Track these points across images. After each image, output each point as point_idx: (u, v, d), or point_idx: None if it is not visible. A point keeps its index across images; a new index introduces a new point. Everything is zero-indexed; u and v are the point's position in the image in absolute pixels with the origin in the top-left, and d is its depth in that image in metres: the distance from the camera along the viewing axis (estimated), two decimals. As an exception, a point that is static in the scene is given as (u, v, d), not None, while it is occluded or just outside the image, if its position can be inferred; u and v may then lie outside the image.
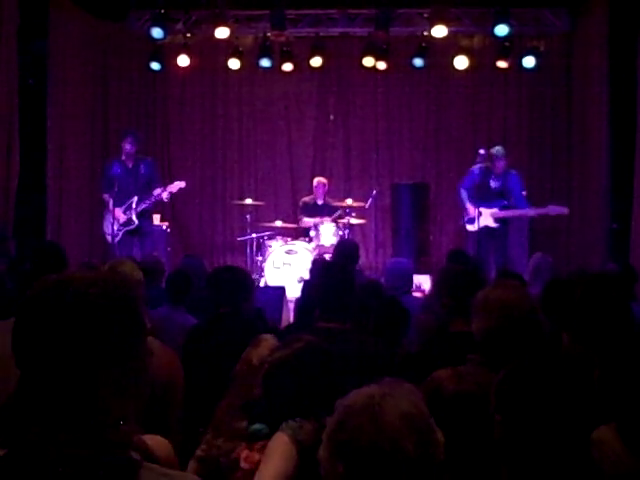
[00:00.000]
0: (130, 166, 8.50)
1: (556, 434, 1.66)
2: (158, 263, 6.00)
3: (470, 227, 8.50)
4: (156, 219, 9.84)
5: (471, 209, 8.45)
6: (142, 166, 8.52)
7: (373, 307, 4.07)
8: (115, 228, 8.31)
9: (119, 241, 8.34)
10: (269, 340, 2.99)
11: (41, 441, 1.31)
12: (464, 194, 8.60)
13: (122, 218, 8.35)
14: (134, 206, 8.34)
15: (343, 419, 1.52)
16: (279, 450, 2.36)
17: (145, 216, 8.56)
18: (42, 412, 1.33)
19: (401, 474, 1.47)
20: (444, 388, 2.22)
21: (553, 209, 8.37)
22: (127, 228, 8.38)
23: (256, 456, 2.50)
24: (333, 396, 2.00)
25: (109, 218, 8.43)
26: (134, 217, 8.35)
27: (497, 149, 8.50)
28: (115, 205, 8.31)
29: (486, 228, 8.41)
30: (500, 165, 8.40)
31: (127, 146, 8.46)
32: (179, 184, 8.45)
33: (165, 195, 8.30)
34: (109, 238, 8.43)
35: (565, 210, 8.38)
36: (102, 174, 8.82)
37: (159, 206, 9.95)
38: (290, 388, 2.49)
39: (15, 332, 1.37)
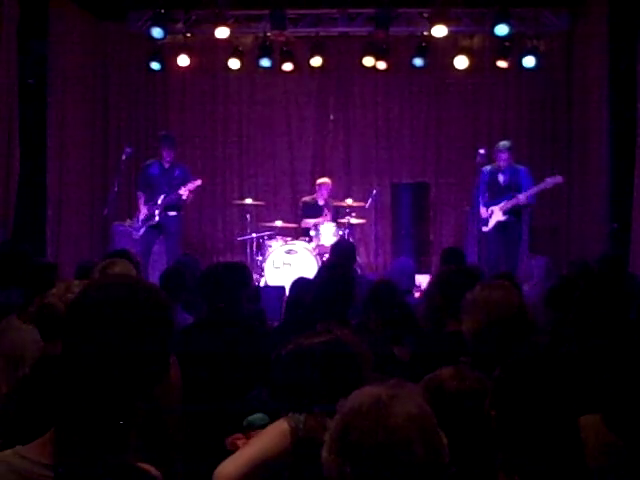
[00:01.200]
0: (166, 167, 8.67)
1: (550, 430, 1.67)
2: (137, 262, 6.01)
3: (484, 228, 8.43)
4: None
5: (483, 210, 8.41)
6: (177, 170, 8.68)
7: (383, 306, 4.05)
8: (140, 224, 8.54)
9: (142, 235, 8.51)
10: None
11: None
12: (479, 200, 8.49)
13: (145, 213, 8.50)
14: (159, 202, 8.45)
15: (350, 421, 1.52)
16: (272, 434, 2.36)
17: (171, 216, 8.61)
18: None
19: (411, 476, 1.47)
20: (446, 386, 2.22)
21: (549, 181, 8.29)
22: (149, 223, 8.52)
23: None
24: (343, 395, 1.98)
25: (138, 215, 8.62)
26: (156, 212, 8.45)
27: (502, 142, 8.55)
28: (146, 202, 8.54)
29: (497, 224, 8.35)
30: (503, 157, 8.37)
31: (164, 153, 8.67)
32: (196, 182, 8.53)
33: (183, 192, 8.37)
34: (135, 234, 8.54)
35: (559, 178, 8.31)
36: (140, 172, 8.95)
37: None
38: (303, 380, 2.44)
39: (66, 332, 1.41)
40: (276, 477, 2.37)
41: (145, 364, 1.38)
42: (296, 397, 2.42)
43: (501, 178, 8.42)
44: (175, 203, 8.56)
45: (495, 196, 8.37)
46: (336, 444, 1.52)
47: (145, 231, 8.52)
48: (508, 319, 2.56)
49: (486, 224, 8.37)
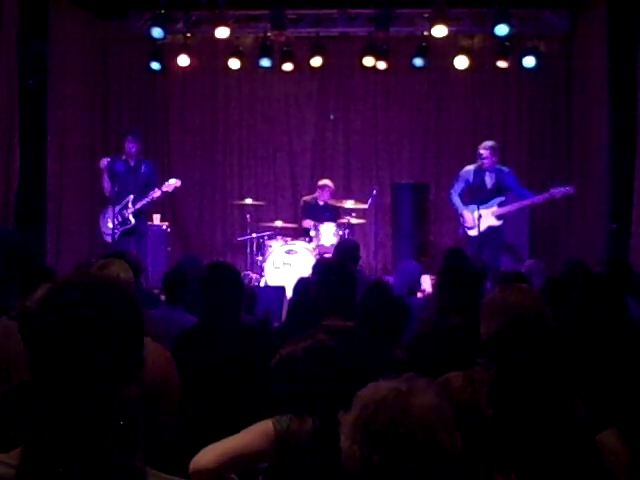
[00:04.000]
0: (132, 164, 8.52)
1: (547, 429, 1.67)
2: (138, 262, 5.99)
3: (472, 232, 8.21)
4: (156, 219, 9.84)
5: (468, 215, 8.22)
6: (143, 166, 8.55)
7: (378, 305, 4.06)
8: (111, 227, 8.33)
9: (116, 240, 8.31)
10: None
11: (52, 442, 1.32)
12: (457, 200, 8.37)
13: (118, 217, 8.35)
14: (130, 205, 8.34)
15: (374, 412, 1.56)
16: (256, 432, 2.41)
17: (141, 217, 8.55)
18: (54, 414, 1.34)
19: (436, 462, 1.54)
20: (457, 397, 2.23)
21: (557, 191, 8.10)
22: (124, 227, 8.37)
23: None
24: (336, 396, 2.01)
25: (107, 217, 8.44)
26: (130, 216, 8.35)
27: (485, 142, 8.32)
28: (115, 203, 8.32)
29: (489, 229, 8.20)
30: (484, 155, 8.12)
31: (129, 145, 8.49)
32: (174, 183, 8.44)
33: (158, 194, 8.30)
34: (107, 237, 8.44)
35: (570, 189, 8.13)
36: (106, 171, 8.80)
37: (159, 206, 9.97)
38: (292, 383, 2.49)
39: (36, 333, 1.37)
40: (248, 471, 2.44)
41: (114, 365, 1.36)
42: (287, 402, 2.47)
43: (488, 180, 8.24)
44: (148, 207, 8.47)
45: (481, 198, 8.15)
46: (359, 435, 1.56)
47: (120, 235, 8.32)
48: (526, 322, 2.54)
49: (474, 228, 8.13)
